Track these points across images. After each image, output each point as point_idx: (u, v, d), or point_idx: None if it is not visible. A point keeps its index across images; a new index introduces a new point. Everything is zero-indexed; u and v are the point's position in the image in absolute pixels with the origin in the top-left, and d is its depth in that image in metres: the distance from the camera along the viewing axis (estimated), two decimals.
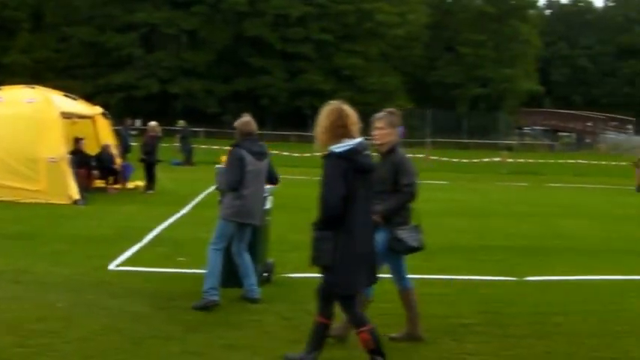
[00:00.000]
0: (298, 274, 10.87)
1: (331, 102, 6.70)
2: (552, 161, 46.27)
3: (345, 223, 6.40)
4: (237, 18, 70.75)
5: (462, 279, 11.39)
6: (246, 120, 9.46)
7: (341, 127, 6.49)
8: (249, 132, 9.35)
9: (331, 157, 6.43)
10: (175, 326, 8.20)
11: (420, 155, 41.44)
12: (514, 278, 11.57)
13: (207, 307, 8.93)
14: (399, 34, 73.36)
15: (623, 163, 37.91)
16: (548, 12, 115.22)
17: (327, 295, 6.68)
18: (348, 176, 6.37)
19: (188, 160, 36.29)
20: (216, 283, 9.09)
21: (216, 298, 9.02)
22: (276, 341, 7.69)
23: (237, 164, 9.17)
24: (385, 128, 7.82)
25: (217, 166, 10.42)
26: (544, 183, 33.24)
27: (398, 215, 7.79)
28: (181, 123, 38.53)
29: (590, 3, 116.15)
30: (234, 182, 9.15)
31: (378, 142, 7.73)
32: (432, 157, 41.07)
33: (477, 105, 77.15)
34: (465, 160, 41.64)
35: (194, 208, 19.15)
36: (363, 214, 6.56)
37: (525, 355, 7.76)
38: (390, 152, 7.78)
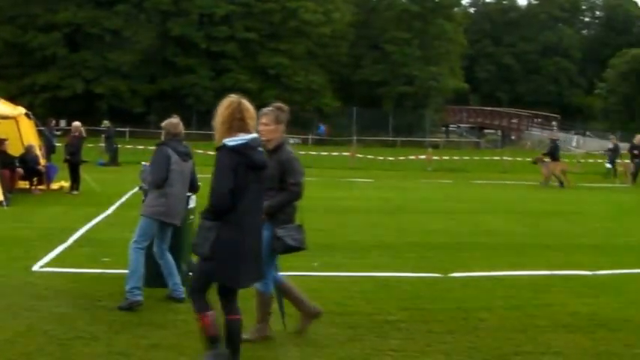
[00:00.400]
0: None
1: (230, 95, 6.69)
2: (477, 158, 46.56)
3: (232, 216, 6.40)
4: (162, 17, 70.15)
5: (387, 276, 11.46)
6: (175, 121, 9.46)
7: (238, 121, 6.49)
8: (177, 133, 9.35)
9: (223, 150, 6.43)
10: (101, 327, 8.18)
11: (346, 153, 41.82)
12: (438, 274, 11.67)
13: (131, 308, 8.90)
14: (325, 32, 73.43)
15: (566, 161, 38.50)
16: (472, 10, 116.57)
17: (225, 291, 6.68)
18: (238, 170, 6.37)
19: (113, 161, 35.92)
20: (139, 282, 9.06)
21: (139, 297, 8.99)
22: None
23: (163, 162, 9.18)
24: (271, 124, 7.68)
25: (143, 163, 10.37)
26: (469, 180, 33.50)
27: (282, 213, 7.70)
28: (106, 123, 38.14)
29: (514, 1, 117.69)
30: (160, 180, 9.15)
31: (263, 138, 7.49)
32: (358, 155, 41.14)
33: (403, 103, 77.55)
34: (390, 158, 41.78)
35: (119, 208, 18.99)
36: (252, 209, 6.57)
37: (450, 350, 7.83)
38: (276, 150, 7.66)
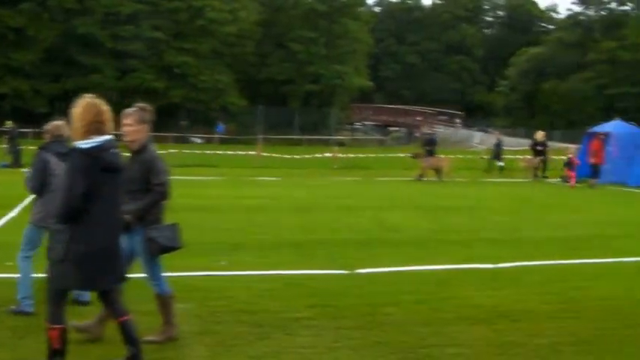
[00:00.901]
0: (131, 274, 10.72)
1: (86, 96, 6.59)
2: (382, 155, 46.88)
3: (85, 219, 6.33)
4: (66, 15, 68.78)
5: (293, 273, 11.49)
6: (58, 123, 9.25)
7: (96, 123, 6.42)
8: (59, 135, 9.15)
9: (75, 152, 6.37)
10: (4, 332, 8.05)
11: (252, 152, 41.62)
12: (344, 271, 11.75)
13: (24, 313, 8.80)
14: (231, 31, 73.29)
15: (451, 156, 38.99)
16: (377, 9, 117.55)
17: (102, 296, 6.71)
18: (91, 173, 6.30)
19: (16, 162, 35.04)
20: (29, 291, 8.93)
21: (29, 309, 8.85)
22: (109, 344, 7.56)
23: (41, 168, 8.99)
24: (134, 125, 7.55)
25: (24, 170, 10.18)
26: (374, 177, 33.56)
27: (150, 214, 7.59)
28: (9, 124, 37.16)
29: (418, 1, 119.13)
30: (36, 186, 8.96)
31: (127, 139, 7.47)
32: (264, 154, 41.03)
33: (309, 101, 78.03)
34: (297, 157, 41.73)
35: (23, 210, 18.45)
36: (107, 212, 6.49)
37: (358, 346, 7.91)
38: (140, 150, 7.54)
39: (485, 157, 43.47)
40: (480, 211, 20.93)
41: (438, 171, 32.52)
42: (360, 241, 14.90)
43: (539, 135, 35.88)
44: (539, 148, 35.64)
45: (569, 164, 32.53)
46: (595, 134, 33.08)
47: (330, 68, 77.41)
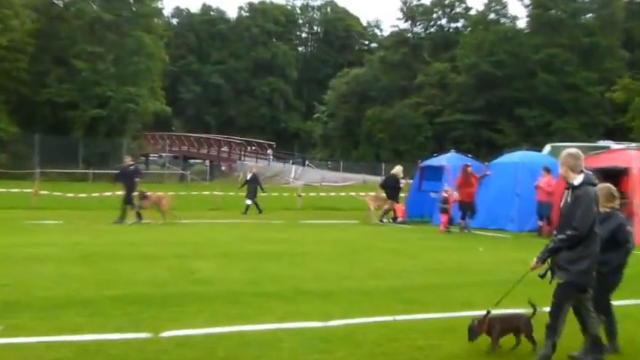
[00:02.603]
0: None
1: None
2: (184, 193, 46.26)
3: None
4: None
5: (86, 340, 11.09)
6: None
7: None
8: None
9: None
10: None
11: (29, 190, 40.01)
12: (148, 334, 11.46)
13: None
14: (1, 43, 70.99)
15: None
16: (175, 21, 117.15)
17: None
18: None
19: None
20: None
21: None
22: None
23: None
24: None
25: None
26: (174, 219, 32.81)
27: None
28: None
29: (223, 12, 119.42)
30: None
31: None
32: (43, 192, 39.81)
33: (95, 129, 76.14)
34: (82, 195, 41.02)
35: None
36: None
37: None
38: None
39: (302, 194, 43.65)
40: (305, 258, 20.95)
41: (161, 211, 31.92)
42: (165, 296, 14.56)
43: (397, 170, 35.88)
44: (400, 184, 35.45)
45: (443, 202, 31.84)
46: (463, 166, 32.40)
47: (120, 90, 76.24)
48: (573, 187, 9.98)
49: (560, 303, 10.02)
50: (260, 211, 37.31)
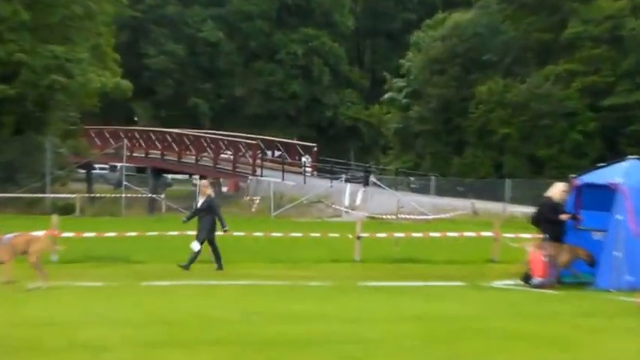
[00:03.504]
0: None
1: None
2: (154, 234, 37.00)
3: None
4: None
5: None
6: None
7: None
8: None
9: None
10: None
11: None
12: None
13: None
14: None
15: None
16: None
17: None
18: None
19: None
20: None
21: None
22: None
23: None
24: None
25: None
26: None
27: None
28: None
29: None
30: None
31: None
32: None
33: None
34: None
35: None
36: None
37: None
38: None
39: (363, 235, 35.87)
40: (362, 349, 16.02)
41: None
42: None
43: (559, 191, 27.82)
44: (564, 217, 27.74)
45: None
46: None
47: (40, 50, 58.16)
48: None
49: None
50: (220, 266, 29.87)
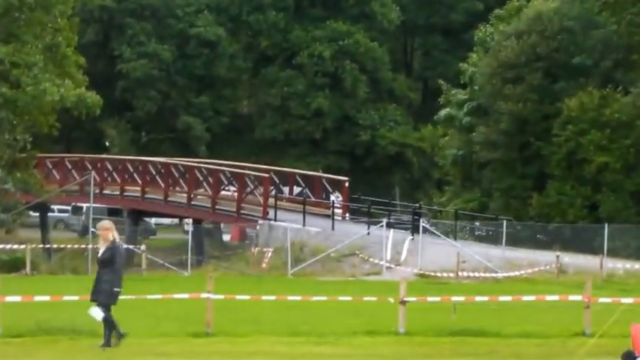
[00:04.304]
0: None
1: None
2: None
3: None
4: None
5: None
6: None
7: None
8: None
9: None
10: None
11: None
12: None
13: None
14: None
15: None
16: None
17: None
18: None
19: None
20: None
21: None
22: None
23: None
24: None
25: None
26: None
27: None
28: None
29: None
30: None
31: None
32: None
33: None
34: None
35: None
36: None
37: None
38: None
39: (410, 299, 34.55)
40: None
41: None
42: None
43: None
44: None
45: None
46: None
47: None
48: None
49: None
50: (121, 335, 25.42)
